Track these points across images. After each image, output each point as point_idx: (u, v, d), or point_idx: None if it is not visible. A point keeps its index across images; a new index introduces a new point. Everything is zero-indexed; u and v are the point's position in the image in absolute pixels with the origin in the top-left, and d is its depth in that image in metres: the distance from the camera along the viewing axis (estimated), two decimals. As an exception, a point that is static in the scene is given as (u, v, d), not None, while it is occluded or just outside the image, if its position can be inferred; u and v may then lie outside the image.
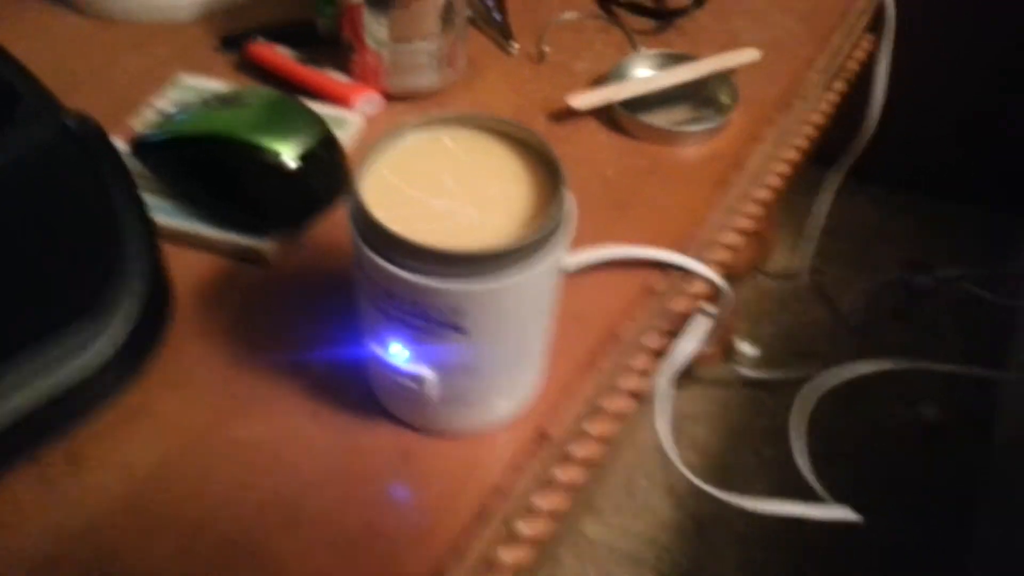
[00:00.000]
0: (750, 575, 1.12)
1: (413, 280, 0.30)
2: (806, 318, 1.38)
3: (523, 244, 0.30)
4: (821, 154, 0.94)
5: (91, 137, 0.38)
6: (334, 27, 0.55)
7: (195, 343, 0.42)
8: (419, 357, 0.34)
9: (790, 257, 1.44)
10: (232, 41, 0.58)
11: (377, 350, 0.35)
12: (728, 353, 1.26)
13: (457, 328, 0.32)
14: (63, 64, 0.57)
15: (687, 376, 1.28)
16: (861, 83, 0.82)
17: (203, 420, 0.39)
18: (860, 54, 0.80)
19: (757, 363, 1.28)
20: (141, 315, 0.38)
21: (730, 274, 0.97)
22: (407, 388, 0.36)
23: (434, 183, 0.34)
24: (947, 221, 1.53)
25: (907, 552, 1.13)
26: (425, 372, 0.34)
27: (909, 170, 1.54)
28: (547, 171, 0.34)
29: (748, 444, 1.22)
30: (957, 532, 1.15)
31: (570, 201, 0.33)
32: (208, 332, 0.42)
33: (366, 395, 0.40)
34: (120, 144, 0.48)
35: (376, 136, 0.34)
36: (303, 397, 0.40)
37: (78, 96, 0.44)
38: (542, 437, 0.40)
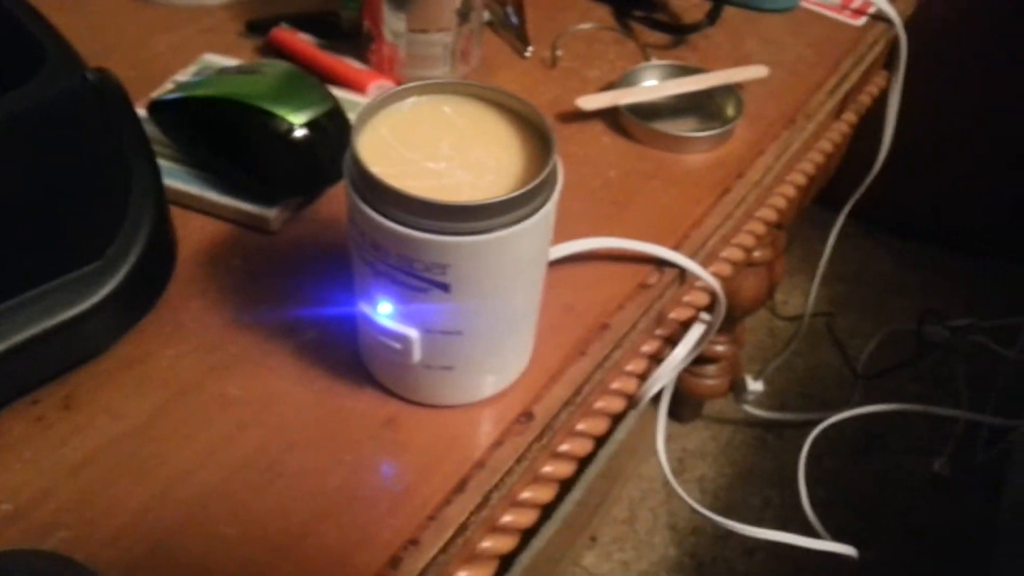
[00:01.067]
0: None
1: (399, 231, 0.31)
2: (816, 362, 1.38)
3: (507, 198, 0.31)
4: (834, 198, 0.95)
5: (110, 91, 0.40)
6: (356, 19, 0.57)
7: (193, 301, 0.43)
8: (404, 316, 0.35)
9: (803, 301, 1.44)
10: (257, 26, 0.60)
11: (365, 308, 0.36)
12: (736, 390, 1.26)
13: (441, 285, 0.33)
14: (99, 37, 0.59)
15: (693, 411, 1.27)
16: (874, 122, 0.83)
17: (195, 374, 0.40)
18: (873, 89, 0.81)
19: (764, 401, 1.28)
20: (142, 268, 0.40)
21: (738, 305, 0.99)
22: (392, 349, 0.36)
23: (431, 146, 0.35)
24: (962, 273, 1.53)
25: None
26: (410, 332, 0.35)
27: (925, 220, 1.54)
28: (540, 142, 0.35)
29: (753, 485, 1.21)
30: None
31: (559, 169, 0.34)
32: (207, 292, 0.44)
33: (354, 362, 0.41)
34: (141, 113, 0.50)
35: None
36: (293, 359, 0.41)
37: (108, 67, 0.46)
38: (527, 416, 0.41)
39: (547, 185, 0.33)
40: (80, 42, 0.45)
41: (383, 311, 0.35)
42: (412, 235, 0.31)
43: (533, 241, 0.34)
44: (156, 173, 0.41)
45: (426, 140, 0.35)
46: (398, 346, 0.36)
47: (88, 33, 0.47)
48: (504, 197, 0.31)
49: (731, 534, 1.14)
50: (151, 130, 0.49)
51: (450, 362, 0.37)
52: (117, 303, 0.39)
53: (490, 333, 0.37)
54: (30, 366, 0.38)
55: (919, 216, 1.53)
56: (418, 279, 0.33)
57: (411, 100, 0.36)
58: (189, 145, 0.48)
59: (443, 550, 0.37)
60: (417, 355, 0.36)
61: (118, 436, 0.38)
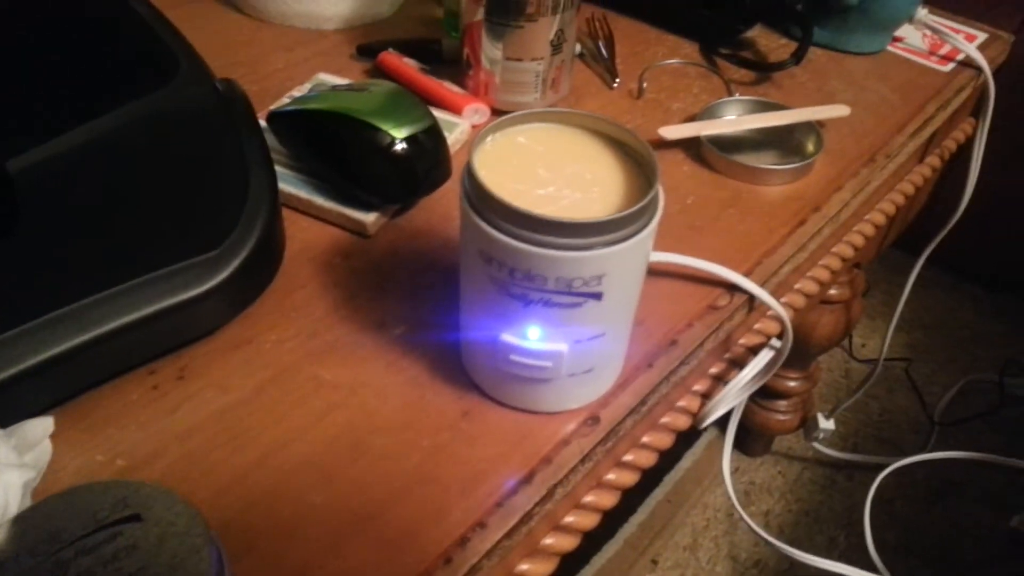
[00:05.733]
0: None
1: (562, 256, 0.34)
2: (891, 406, 1.36)
3: (646, 202, 0.34)
4: (918, 244, 0.95)
5: (236, 100, 0.44)
6: (457, 47, 0.61)
7: (297, 293, 0.47)
8: (555, 335, 0.38)
9: (881, 345, 1.42)
10: (367, 50, 0.65)
11: (508, 339, 0.38)
12: (807, 428, 1.25)
13: (595, 295, 0.36)
14: (223, 53, 0.65)
15: (763, 446, 1.27)
16: (961, 167, 0.83)
17: (294, 358, 0.44)
18: (960, 135, 0.81)
19: (835, 441, 1.26)
20: (254, 259, 0.44)
21: (814, 343, 0.99)
22: (537, 369, 0.39)
23: (530, 175, 0.38)
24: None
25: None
26: (560, 347, 0.38)
27: (1011, 270, 1.51)
28: (621, 150, 0.39)
29: (819, 524, 1.20)
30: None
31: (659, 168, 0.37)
32: (309, 285, 0.48)
33: (437, 358, 0.44)
34: (261, 123, 0.55)
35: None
36: (382, 351, 0.45)
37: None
38: (593, 420, 0.43)
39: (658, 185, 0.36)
40: (207, 57, 0.50)
41: (533, 336, 0.38)
42: (575, 256, 0.34)
43: (652, 237, 0.37)
44: (272, 176, 0.46)
45: (522, 170, 0.38)
46: (548, 364, 0.38)
47: (214, 49, 0.52)
48: (645, 201, 0.34)
49: (793, 569, 1.13)
50: (269, 139, 0.54)
51: (591, 364, 0.40)
52: (230, 289, 0.43)
53: (624, 324, 0.40)
54: (150, 339, 0.42)
55: (1005, 266, 1.50)
56: (575, 296, 0.36)
57: (488, 139, 0.39)
58: (301, 153, 0.53)
59: (507, 535, 0.39)
60: (566, 368, 0.39)
61: (224, 408, 0.42)
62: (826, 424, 1.11)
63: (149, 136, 0.44)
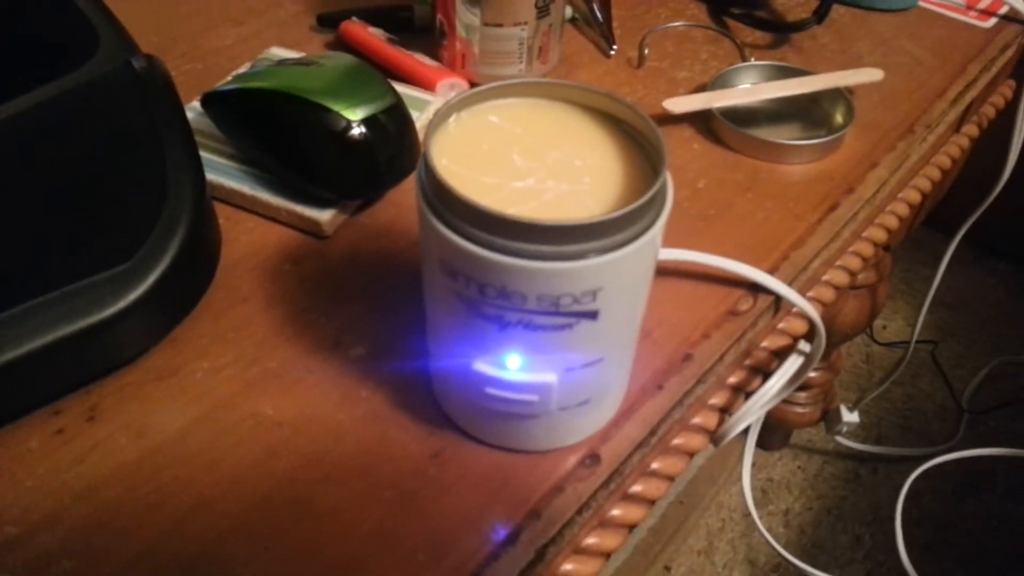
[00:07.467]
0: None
1: (548, 268, 0.26)
2: (917, 393, 1.28)
3: (651, 195, 0.26)
4: (945, 221, 0.87)
5: (154, 79, 0.36)
6: (430, 14, 0.53)
7: (236, 308, 0.40)
8: (540, 364, 0.30)
9: (902, 326, 1.35)
10: (328, 20, 0.57)
11: (482, 368, 0.31)
12: (828, 420, 1.18)
13: (590, 314, 0.29)
14: (165, 26, 0.57)
15: (780, 440, 1.20)
16: (996, 137, 0.75)
17: (229, 390, 0.37)
18: (999, 99, 0.73)
19: (858, 432, 1.19)
20: (178, 270, 0.36)
21: (837, 331, 0.91)
22: (521, 404, 0.32)
23: (504, 164, 0.30)
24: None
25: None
26: (548, 378, 0.31)
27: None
28: (617, 128, 0.31)
29: (843, 522, 1.13)
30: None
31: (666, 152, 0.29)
32: (251, 299, 0.40)
33: (402, 384, 0.37)
34: (196, 106, 0.47)
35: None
36: (336, 377, 0.37)
37: (171, 58, 0.43)
38: (592, 459, 0.36)
39: (666, 175, 0.29)
40: (145, 32, 0.42)
41: (512, 365, 0.31)
42: (563, 268, 0.26)
43: (660, 238, 0.29)
44: (198, 169, 0.38)
45: (494, 157, 0.30)
46: (533, 398, 0.31)
47: (156, 22, 0.44)
48: (651, 193, 0.26)
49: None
50: (205, 124, 0.46)
51: (587, 395, 0.33)
52: (148, 308, 0.36)
53: (627, 345, 0.33)
54: (52, 373, 0.35)
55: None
56: (564, 316, 0.28)
57: (452, 120, 0.31)
58: (244, 142, 0.45)
59: (486, 611, 0.32)
60: (556, 401, 0.32)
61: (139, 456, 0.34)
62: (850, 417, 1.03)
63: (50, 128, 0.37)
